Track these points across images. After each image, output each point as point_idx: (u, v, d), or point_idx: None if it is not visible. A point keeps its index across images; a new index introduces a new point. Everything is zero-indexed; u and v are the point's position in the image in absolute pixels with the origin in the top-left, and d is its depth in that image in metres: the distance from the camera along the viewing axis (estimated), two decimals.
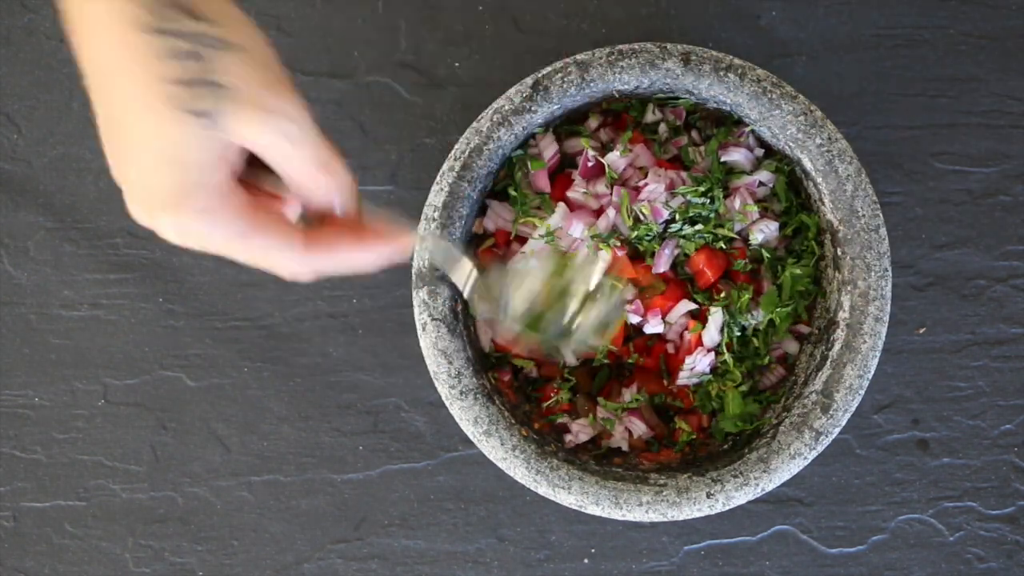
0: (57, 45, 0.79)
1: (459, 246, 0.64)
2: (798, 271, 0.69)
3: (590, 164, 0.68)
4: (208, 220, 0.45)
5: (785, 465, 0.64)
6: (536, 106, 0.66)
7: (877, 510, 0.76)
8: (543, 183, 0.69)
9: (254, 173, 0.48)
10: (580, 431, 0.69)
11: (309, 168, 0.47)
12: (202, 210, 0.45)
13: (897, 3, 0.77)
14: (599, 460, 0.68)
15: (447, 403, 0.66)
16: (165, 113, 0.42)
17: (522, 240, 0.69)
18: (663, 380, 0.70)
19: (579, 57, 0.66)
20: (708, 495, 0.64)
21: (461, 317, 0.67)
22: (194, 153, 0.43)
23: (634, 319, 0.68)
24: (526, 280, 0.61)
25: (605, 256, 0.66)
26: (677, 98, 0.69)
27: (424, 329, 0.66)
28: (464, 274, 0.57)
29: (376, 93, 0.78)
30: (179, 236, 0.45)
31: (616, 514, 0.64)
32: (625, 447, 0.69)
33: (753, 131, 0.68)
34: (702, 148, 0.69)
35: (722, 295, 0.68)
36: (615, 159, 0.67)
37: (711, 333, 0.68)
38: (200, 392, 0.78)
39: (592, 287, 0.61)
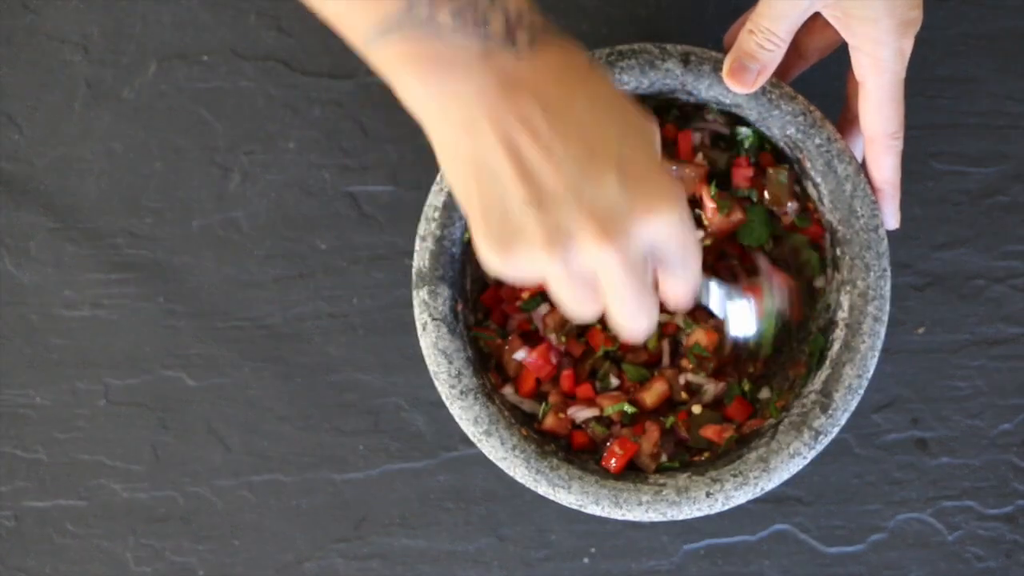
0: (58, 45, 0.79)
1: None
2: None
3: None
4: (683, 195, 0.50)
5: (784, 464, 0.64)
6: None
7: (876, 509, 0.76)
8: None
9: None
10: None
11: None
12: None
13: None
14: (599, 460, 0.68)
15: (447, 403, 0.66)
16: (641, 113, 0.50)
17: None
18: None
19: None
20: (708, 495, 0.64)
21: (461, 317, 0.67)
22: (656, 134, 0.51)
23: None
24: None
25: None
26: (676, 100, 0.69)
27: (424, 329, 0.66)
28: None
29: (376, 93, 0.78)
30: (672, 199, 0.49)
31: (616, 514, 0.64)
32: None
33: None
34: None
35: None
36: None
37: None
38: (201, 392, 0.78)
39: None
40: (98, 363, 0.78)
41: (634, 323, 0.51)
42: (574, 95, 0.48)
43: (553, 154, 0.47)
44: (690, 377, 0.70)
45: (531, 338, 0.70)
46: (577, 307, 0.51)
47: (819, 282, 0.71)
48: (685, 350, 0.70)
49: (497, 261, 0.49)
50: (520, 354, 0.69)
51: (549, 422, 0.68)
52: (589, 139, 0.47)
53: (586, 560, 0.77)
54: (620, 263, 0.48)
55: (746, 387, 0.70)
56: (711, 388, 0.70)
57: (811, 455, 0.65)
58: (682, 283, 0.52)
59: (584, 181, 0.47)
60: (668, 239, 0.49)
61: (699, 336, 0.69)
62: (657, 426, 0.68)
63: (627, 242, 0.48)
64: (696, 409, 0.69)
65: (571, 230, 0.47)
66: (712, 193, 0.68)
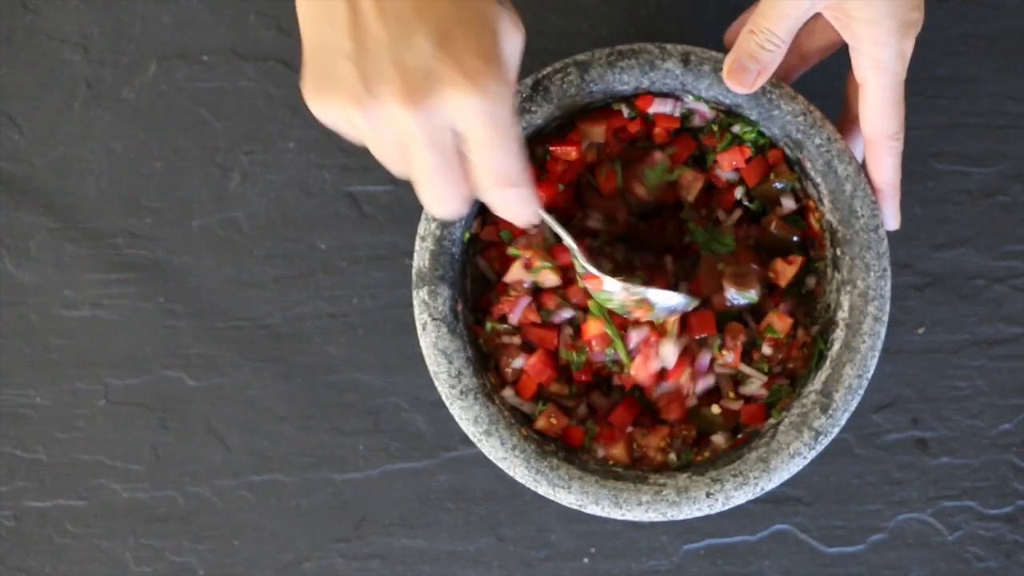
0: (58, 45, 0.79)
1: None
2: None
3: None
4: (506, 92, 0.49)
5: (785, 465, 0.64)
6: (536, 106, 0.66)
7: (876, 509, 0.77)
8: None
9: None
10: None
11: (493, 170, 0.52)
12: (506, 81, 0.49)
13: None
14: (599, 459, 0.68)
15: (447, 403, 0.66)
16: None
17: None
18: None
19: (579, 57, 0.66)
20: (708, 495, 0.64)
21: (461, 317, 0.67)
22: (503, 28, 0.50)
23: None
24: None
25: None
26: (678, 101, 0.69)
27: (424, 329, 0.66)
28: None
29: None
30: (487, 90, 0.48)
31: (616, 514, 0.64)
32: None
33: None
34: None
35: None
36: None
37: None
38: (201, 392, 0.78)
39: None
40: (98, 363, 0.78)
41: (438, 204, 0.52)
42: None
43: (385, 10, 0.47)
44: (745, 368, 0.69)
45: (528, 345, 0.70)
46: (390, 164, 0.52)
47: (810, 283, 0.71)
48: (758, 334, 0.69)
49: (313, 105, 0.50)
50: (518, 362, 0.69)
51: (541, 423, 0.68)
52: (430, 3, 0.48)
53: (586, 560, 0.77)
54: (421, 130, 0.48)
55: (785, 391, 0.69)
56: (757, 383, 0.69)
57: (811, 455, 0.65)
58: (486, 175, 0.52)
59: (401, 39, 0.47)
60: (471, 121, 0.49)
61: (772, 320, 0.69)
62: (667, 427, 0.69)
63: (430, 109, 0.48)
64: (715, 409, 0.69)
65: (378, 87, 0.48)
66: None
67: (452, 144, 0.50)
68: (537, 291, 0.69)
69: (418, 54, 0.47)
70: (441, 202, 0.52)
